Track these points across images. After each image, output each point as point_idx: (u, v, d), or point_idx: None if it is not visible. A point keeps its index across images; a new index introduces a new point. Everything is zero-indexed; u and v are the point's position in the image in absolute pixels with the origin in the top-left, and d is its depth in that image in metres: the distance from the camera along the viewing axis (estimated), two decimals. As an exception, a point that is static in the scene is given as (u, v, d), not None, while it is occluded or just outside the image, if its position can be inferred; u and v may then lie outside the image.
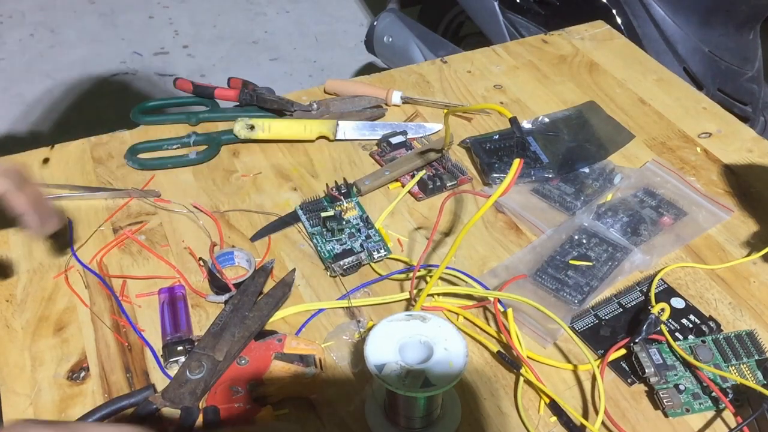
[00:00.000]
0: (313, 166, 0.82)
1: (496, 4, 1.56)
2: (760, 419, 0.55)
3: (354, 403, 0.58)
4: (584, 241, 0.72)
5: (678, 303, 0.66)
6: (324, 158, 0.83)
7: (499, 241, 0.73)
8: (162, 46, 2.45)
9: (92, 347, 0.62)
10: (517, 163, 0.55)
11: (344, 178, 0.77)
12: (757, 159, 0.85)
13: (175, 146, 0.83)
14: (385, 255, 0.70)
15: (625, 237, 0.72)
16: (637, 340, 0.60)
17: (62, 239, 0.70)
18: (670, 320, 0.65)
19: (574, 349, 0.63)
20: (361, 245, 0.70)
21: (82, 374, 0.59)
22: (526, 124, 0.87)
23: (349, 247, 0.70)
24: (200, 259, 0.69)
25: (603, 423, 0.57)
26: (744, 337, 0.63)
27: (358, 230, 0.72)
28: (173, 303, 0.64)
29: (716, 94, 1.43)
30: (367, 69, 2.31)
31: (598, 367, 0.59)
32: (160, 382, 0.59)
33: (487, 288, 0.67)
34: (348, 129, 0.85)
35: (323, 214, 0.72)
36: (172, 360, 0.60)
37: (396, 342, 0.53)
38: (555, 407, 0.58)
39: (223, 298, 0.64)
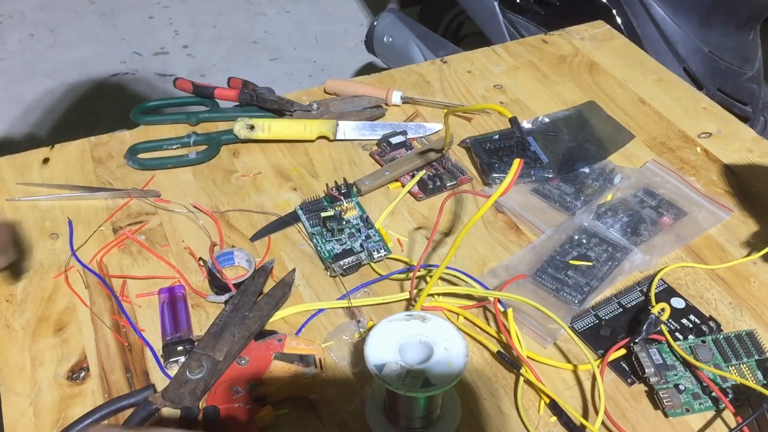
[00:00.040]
0: (313, 166, 0.82)
1: (496, 4, 1.56)
2: (760, 419, 0.55)
3: (354, 403, 0.58)
4: (584, 241, 0.72)
5: (678, 303, 0.66)
6: (324, 158, 0.83)
7: (499, 241, 0.73)
8: (162, 46, 2.45)
9: (92, 347, 0.62)
10: (517, 163, 0.55)
11: (344, 178, 0.77)
12: (757, 159, 0.85)
13: (175, 146, 0.83)
14: (385, 255, 0.70)
15: (625, 237, 0.72)
16: (637, 340, 0.60)
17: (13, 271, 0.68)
18: (670, 320, 0.65)
19: (574, 349, 0.63)
20: (361, 245, 0.70)
21: (82, 374, 0.59)
22: (526, 124, 0.87)
23: (349, 247, 0.70)
24: (200, 259, 0.69)
25: (603, 423, 0.57)
26: (744, 337, 0.63)
27: (358, 230, 0.72)
28: (173, 303, 0.64)
29: (716, 94, 1.43)
30: (367, 69, 2.31)
31: (598, 367, 0.59)
32: (160, 382, 0.59)
33: (487, 288, 0.67)
34: (348, 129, 0.85)
35: (323, 214, 0.72)
36: (172, 360, 0.60)
37: (396, 342, 0.53)
38: (555, 407, 0.58)
39: (223, 298, 0.64)
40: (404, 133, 0.85)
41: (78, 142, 0.84)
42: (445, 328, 0.54)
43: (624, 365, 0.61)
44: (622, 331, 0.64)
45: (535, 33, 1.30)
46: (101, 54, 2.40)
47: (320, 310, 0.65)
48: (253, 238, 0.72)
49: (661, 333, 0.61)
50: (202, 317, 0.64)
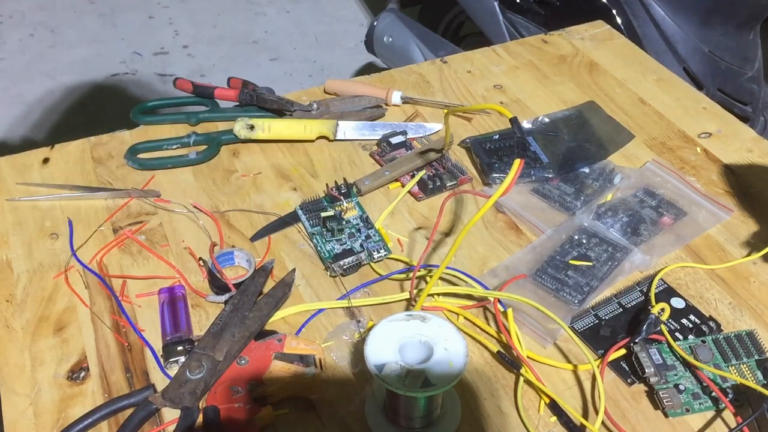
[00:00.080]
0: (313, 166, 0.82)
1: (496, 4, 1.56)
2: (760, 419, 0.55)
3: (354, 403, 0.58)
4: (584, 241, 0.72)
5: (678, 303, 0.66)
6: (324, 158, 0.83)
7: (499, 241, 0.73)
8: (162, 46, 2.45)
9: (92, 347, 0.62)
10: (517, 163, 0.55)
11: (344, 178, 0.77)
12: (757, 159, 0.85)
13: (175, 146, 0.83)
14: (385, 255, 0.70)
15: (625, 237, 0.72)
16: (637, 340, 0.60)
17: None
18: (670, 320, 0.65)
19: (574, 349, 0.63)
20: (361, 245, 0.70)
21: (82, 374, 0.59)
22: (526, 124, 0.87)
23: (349, 247, 0.70)
24: (200, 259, 0.69)
25: (603, 423, 0.57)
26: (744, 337, 0.63)
27: (358, 230, 0.72)
28: (173, 303, 0.64)
29: (716, 94, 1.43)
30: (367, 69, 2.31)
31: (598, 367, 0.59)
32: (160, 382, 0.59)
33: (487, 288, 0.67)
34: (348, 129, 0.85)
35: (323, 214, 0.72)
36: (172, 360, 0.60)
37: (396, 342, 0.53)
38: (555, 407, 0.58)
39: (223, 298, 0.64)
40: (404, 133, 0.85)
41: (78, 142, 0.84)
42: (445, 328, 0.54)
43: (624, 365, 0.61)
44: (622, 331, 0.64)
45: (535, 33, 1.30)
46: (101, 54, 2.40)
47: (320, 310, 0.65)
48: (253, 238, 0.72)
49: (661, 333, 0.61)
50: (202, 317, 0.64)
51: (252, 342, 0.59)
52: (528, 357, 0.61)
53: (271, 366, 0.57)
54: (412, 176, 0.79)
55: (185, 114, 0.87)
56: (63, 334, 0.63)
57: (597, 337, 0.64)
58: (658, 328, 0.61)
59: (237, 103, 0.89)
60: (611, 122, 0.89)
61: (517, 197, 0.77)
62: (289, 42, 2.50)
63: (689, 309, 0.66)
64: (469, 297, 0.67)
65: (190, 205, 0.75)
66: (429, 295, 0.65)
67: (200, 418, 0.54)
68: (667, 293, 0.68)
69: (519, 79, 0.97)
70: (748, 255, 0.72)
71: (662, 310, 0.63)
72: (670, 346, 0.61)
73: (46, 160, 0.81)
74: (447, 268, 0.67)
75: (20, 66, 2.33)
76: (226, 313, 0.60)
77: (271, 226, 0.73)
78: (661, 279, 0.69)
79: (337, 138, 0.85)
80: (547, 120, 0.88)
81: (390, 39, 1.78)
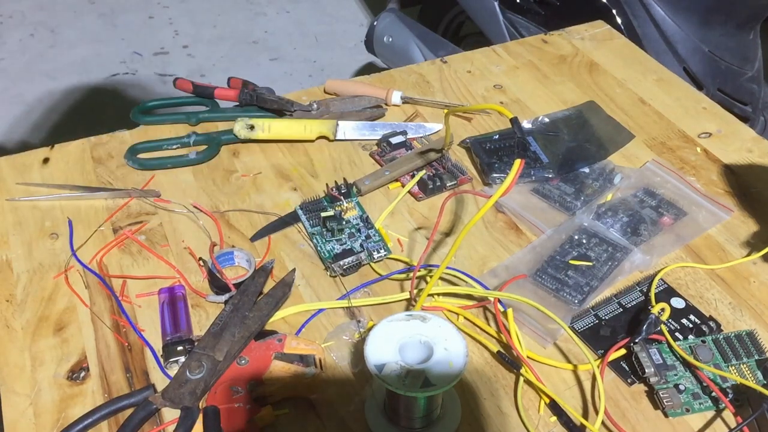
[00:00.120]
0: (313, 166, 0.82)
1: (496, 4, 1.56)
2: (760, 419, 0.55)
3: (354, 403, 0.58)
4: (584, 241, 0.72)
5: (678, 303, 0.66)
6: (324, 158, 0.83)
7: (499, 241, 0.73)
8: (162, 46, 2.45)
9: (92, 347, 0.62)
10: (518, 163, 0.55)
11: (344, 178, 0.77)
12: (757, 159, 0.85)
13: (175, 146, 0.83)
14: (385, 255, 0.70)
15: (625, 237, 0.72)
16: (637, 340, 0.60)
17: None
18: (670, 320, 0.65)
19: (574, 349, 0.63)
20: (361, 245, 0.70)
21: (82, 374, 0.59)
22: (526, 124, 0.87)
23: (349, 247, 0.70)
24: (200, 259, 0.69)
25: (603, 423, 0.57)
26: (744, 337, 0.63)
27: (358, 230, 0.72)
28: (173, 303, 0.64)
29: (716, 94, 1.43)
30: (367, 69, 2.31)
31: (598, 367, 0.59)
32: (160, 382, 0.59)
33: (487, 288, 0.67)
34: (348, 129, 0.85)
35: (323, 214, 0.72)
36: (172, 360, 0.60)
37: (396, 342, 0.53)
38: (555, 407, 0.58)
39: (223, 298, 0.64)
40: (404, 133, 0.85)
41: (78, 142, 0.84)
42: (445, 328, 0.54)
43: (624, 365, 0.61)
44: (622, 331, 0.64)
45: (535, 33, 1.30)
46: (101, 54, 2.40)
47: (320, 310, 0.65)
48: (253, 238, 0.72)
49: (661, 333, 0.61)
50: (202, 317, 0.64)
51: (252, 342, 0.59)
52: (528, 357, 0.61)
53: (271, 366, 0.57)
54: (412, 176, 0.79)
55: (185, 114, 0.87)
56: (63, 334, 0.63)
57: (597, 337, 0.64)
58: (658, 328, 0.61)
59: (237, 103, 0.89)
60: (611, 122, 0.89)
61: (517, 197, 0.77)
62: (289, 42, 2.50)
63: (689, 309, 0.66)
64: (469, 297, 0.67)
65: (190, 205, 0.75)
66: (429, 295, 0.65)
67: (200, 418, 0.53)
68: (667, 293, 0.68)
69: (519, 79, 0.97)
70: (748, 255, 0.72)
71: (662, 310, 0.63)
72: (670, 346, 0.61)
73: (46, 160, 0.81)
74: (447, 268, 0.67)
75: (20, 66, 2.33)
76: (226, 313, 0.60)
77: (271, 226, 0.73)
78: (661, 279, 0.69)
79: (337, 138, 0.85)
80: (547, 120, 0.88)
81: (390, 39, 1.78)
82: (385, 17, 1.81)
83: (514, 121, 0.60)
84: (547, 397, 0.58)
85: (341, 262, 0.68)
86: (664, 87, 0.96)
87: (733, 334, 0.63)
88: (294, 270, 0.66)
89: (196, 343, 0.58)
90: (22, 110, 2.14)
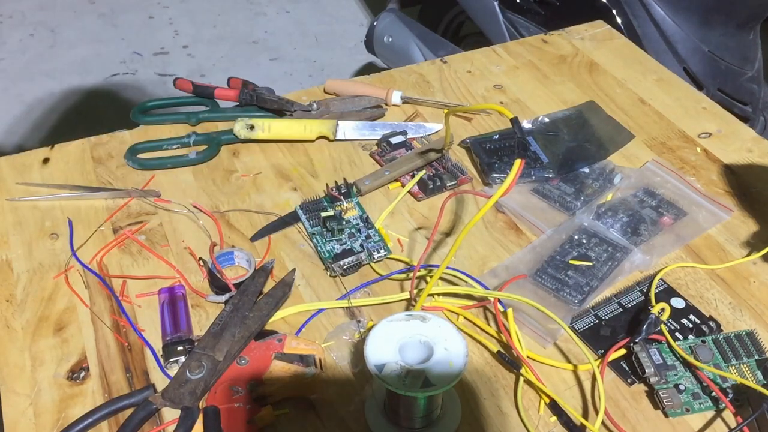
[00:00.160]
0: (313, 166, 0.82)
1: (496, 4, 1.56)
2: (760, 419, 0.55)
3: (354, 403, 0.58)
4: (584, 241, 0.72)
5: (678, 303, 0.66)
6: (324, 158, 0.83)
7: (499, 241, 0.73)
8: (162, 46, 2.45)
9: (92, 347, 0.62)
10: (518, 163, 0.55)
11: (344, 178, 0.77)
12: (757, 159, 0.85)
13: (175, 146, 0.83)
14: (385, 255, 0.70)
15: (625, 237, 0.72)
16: (637, 340, 0.60)
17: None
18: (670, 320, 0.65)
19: (574, 349, 0.63)
20: (361, 245, 0.70)
21: (82, 374, 0.59)
22: (526, 124, 0.87)
23: (349, 247, 0.70)
24: (200, 259, 0.69)
25: (603, 423, 0.57)
26: (744, 337, 0.63)
27: (358, 230, 0.72)
28: (173, 303, 0.64)
29: (716, 94, 1.43)
30: (367, 69, 2.31)
31: (598, 367, 0.59)
32: (160, 382, 0.59)
33: (487, 288, 0.67)
34: (348, 129, 0.85)
35: (323, 214, 0.72)
36: (172, 360, 0.60)
37: (396, 342, 0.53)
38: (555, 407, 0.58)
39: (223, 298, 0.64)
40: (404, 133, 0.85)
41: (78, 142, 0.84)
42: (445, 328, 0.54)
43: (624, 365, 0.61)
44: (622, 331, 0.64)
45: (535, 33, 1.30)
46: (101, 54, 2.40)
47: (320, 310, 0.65)
48: (253, 238, 0.72)
49: (661, 333, 0.61)
50: (202, 317, 0.64)
51: (252, 342, 0.59)
52: (528, 357, 0.61)
53: (271, 366, 0.57)
54: (412, 176, 0.79)
55: (185, 114, 0.87)
56: (63, 334, 0.63)
57: (597, 337, 0.64)
58: (658, 328, 0.61)
59: (237, 103, 0.89)
60: (611, 122, 0.89)
61: (517, 197, 0.77)
62: (289, 42, 2.50)
63: (689, 309, 0.66)
64: (469, 297, 0.67)
65: (190, 205, 0.75)
66: (429, 295, 0.65)
67: (200, 418, 0.53)
68: (667, 293, 0.68)
69: (519, 79, 0.97)
70: (748, 255, 0.72)
71: (662, 310, 0.63)
72: (670, 346, 0.61)
73: (46, 160, 0.81)
74: (447, 268, 0.67)
75: (20, 66, 2.33)
76: (226, 313, 0.60)
77: (271, 226, 0.73)
78: (661, 279, 0.69)
79: (337, 138, 0.85)
80: (547, 120, 0.88)
81: (390, 39, 1.78)
82: (385, 17, 1.81)
83: (514, 121, 0.60)
84: (547, 397, 0.58)
85: (341, 262, 0.68)
86: (664, 87, 0.96)
87: (733, 334, 0.63)
88: (294, 270, 0.66)
89: (196, 343, 0.58)
90: (22, 110, 2.14)
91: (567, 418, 0.57)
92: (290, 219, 0.74)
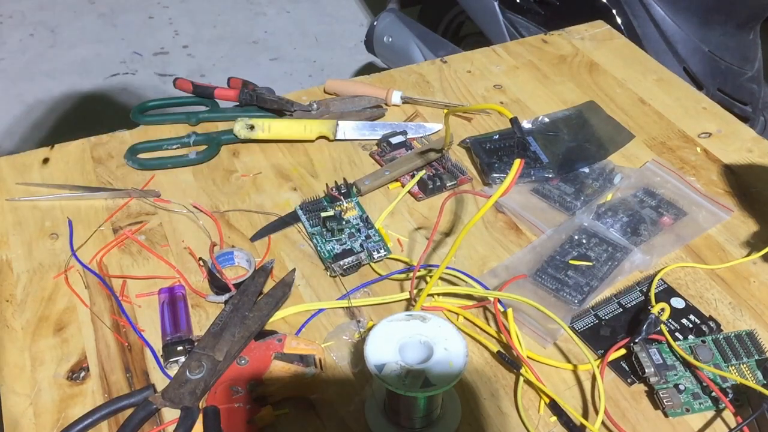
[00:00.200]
0: (313, 166, 0.82)
1: (496, 4, 1.56)
2: (760, 419, 0.55)
3: (354, 403, 0.58)
4: (584, 241, 0.72)
5: (678, 303, 0.66)
6: (324, 158, 0.83)
7: (499, 241, 0.73)
8: (162, 46, 2.45)
9: (92, 347, 0.62)
10: (517, 163, 0.55)
11: (344, 178, 0.77)
12: (757, 159, 0.85)
13: (175, 146, 0.83)
14: (385, 255, 0.70)
15: (625, 237, 0.72)
16: (637, 340, 0.60)
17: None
18: (670, 320, 0.65)
19: (574, 349, 0.63)
20: (361, 245, 0.70)
21: (82, 374, 0.59)
22: (526, 124, 0.87)
23: (349, 247, 0.70)
24: (200, 259, 0.69)
25: (603, 423, 0.57)
26: (744, 337, 0.63)
27: (358, 230, 0.72)
28: (173, 303, 0.64)
29: (716, 94, 1.43)
30: (367, 69, 2.31)
31: (598, 367, 0.59)
32: (160, 382, 0.59)
33: (487, 288, 0.67)
34: (348, 129, 0.85)
35: (323, 214, 0.72)
36: (172, 360, 0.60)
37: (396, 342, 0.53)
38: (555, 407, 0.58)
39: (223, 298, 0.64)
40: (404, 133, 0.85)
41: (78, 142, 0.84)
42: (445, 328, 0.54)
43: (624, 365, 0.61)
44: (622, 331, 0.64)
45: (535, 33, 1.30)
46: (101, 54, 2.40)
47: (320, 310, 0.65)
48: (253, 238, 0.72)
49: (661, 333, 0.61)
50: (202, 317, 0.64)
51: (252, 342, 0.59)
52: (528, 357, 0.61)
53: (271, 366, 0.57)
54: (412, 176, 0.79)
55: (185, 114, 0.87)
56: (63, 334, 0.63)
57: (597, 337, 0.64)
58: (658, 328, 0.61)
59: (237, 103, 0.89)
60: (611, 122, 0.89)
61: (517, 197, 0.77)
62: (289, 42, 2.50)
63: (689, 309, 0.66)
64: (469, 297, 0.67)
65: (190, 205, 0.75)
66: (429, 295, 0.65)
67: (200, 418, 0.53)
68: (667, 293, 0.68)
69: (519, 79, 0.97)
70: (748, 255, 0.72)
71: (662, 310, 0.63)
72: (670, 346, 0.61)
73: (46, 160, 0.81)
74: (447, 268, 0.67)
75: (20, 66, 2.33)
76: (226, 313, 0.60)
77: (271, 226, 0.73)
78: (661, 279, 0.69)
79: (337, 138, 0.85)
80: (547, 120, 0.88)
81: (390, 39, 1.78)
82: (385, 17, 1.81)
83: (514, 121, 0.60)
84: (547, 397, 0.58)
85: (341, 262, 0.68)
86: (664, 87, 0.96)
87: (733, 334, 0.63)
88: (294, 270, 0.66)
89: (196, 343, 0.58)
90: (22, 110, 2.14)
91: (567, 418, 0.57)
92: (290, 219, 0.74)
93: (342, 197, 0.75)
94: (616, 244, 0.71)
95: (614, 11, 1.43)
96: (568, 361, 0.62)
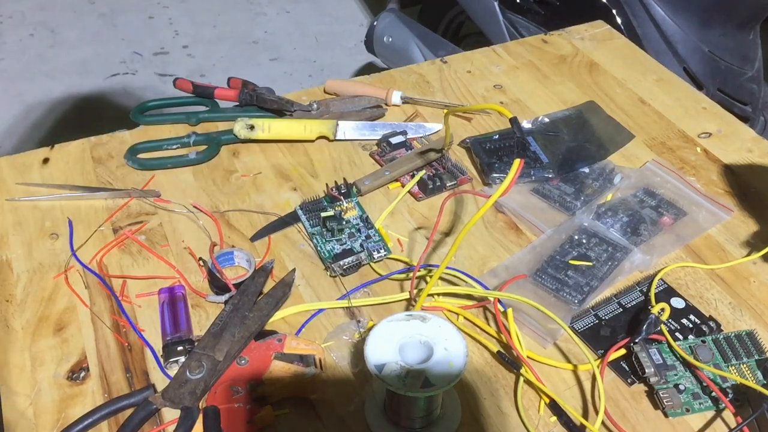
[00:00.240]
0: (313, 166, 0.82)
1: (496, 4, 1.56)
2: (760, 419, 0.55)
3: (354, 403, 0.58)
4: (584, 241, 0.72)
5: (678, 303, 0.66)
6: (324, 158, 0.83)
7: (499, 241, 0.73)
8: (162, 46, 2.45)
9: (92, 347, 0.62)
10: (517, 163, 0.55)
11: (344, 178, 0.77)
12: (757, 159, 0.85)
13: (175, 146, 0.83)
14: (385, 255, 0.70)
15: (625, 237, 0.72)
16: (637, 340, 0.60)
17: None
18: (670, 320, 0.65)
19: (574, 349, 0.63)
20: (361, 245, 0.70)
21: (82, 374, 0.59)
22: (526, 124, 0.87)
23: (349, 247, 0.70)
24: (200, 259, 0.69)
25: (603, 423, 0.57)
26: (744, 337, 0.63)
27: (358, 230, 0.72)
28: (173, 303, 0.64)
29: (716, 94, 1.43)
30: (367, 69, 2.31)
31: (598, 367, 0.59)
32: (160, 382, 0.59)
33: (487, 288, 0.67)
34: (348, 129, 0.85)
35: (323, 214, 0.72)
36: (172, 360, 0.60)
37: (396, 342, 0.53)
38: (555, 407, 0.58)
39: (223, 298, 0.64)
40: (404, 133, 0.85)
41: (78, 142, 0.84)
42: (445, 328, 0.54)
43: (624, 365, 0.61)
44: (622, 331, 0.64)
45: (535, 33, 1.30)
46: (101, 54, 2.40)
47: (320, 310, 0.65)
48: (253, 238, 0.72)
49: (661, 333, 0.61)
50: (202, 317, 0.64)
51: (252, 342, 0.59)
52: (528, 357, 0.61)
53: (271, 366, 0.57)
54: (412, 176, 0.79)
55: (185, 114, 0.87)
56: (63, 334, 0.63)
57: (597, 337, 0.64)
58: (658, 328, 0.61)
59: (237, 103, 0.89)
60: (611, 122, 0.89)
61: (517, 197, 0.77)
62: (289, 42, 2.50)
63: (689, 309, 0.66)
64: (469, 297, 0.67)
65: (190, 205, 0.75)
66: (429, 295, 0.65)
67: (200, 418, 0.53)
68: (667, 293, 0.68)
69: (519, 79, 0.97)
70: (748, 255, 0.72)
71: (662, 310, 0.63)
72: (670, 346, 0.61)
73: (46, 160, 0.81)
74: (447, 268, 0.67)
75: (20, 66, 2.33)
76: (226, 313, 0.60)
77: (271, 226, 0.73)
78: (661, 279, 0.69)
79: (337, 138, 0.85)
80: (547, 120, 0.88)
81: (390, 39, 1.78)
82: (385, 17, 1.81)
83: (514, 121, 0.60)
84: (547, 397, 0.58)
85: (341, 262, 0.68)
86: (664, 87, 0.96)
87: (733, 334, 0.63)
88: (294, 270, 0.66)
89: (196, 343, 0.58)
90: (22, 110, 2.14)
91: (567, 418, 0.57)
92: (290, 219, 0.74)
93: (342, 197, 0.75)
94: (616, 244, 0.71)
95: (614, 11, 1.43)
96: (568, 361, 0.62)
